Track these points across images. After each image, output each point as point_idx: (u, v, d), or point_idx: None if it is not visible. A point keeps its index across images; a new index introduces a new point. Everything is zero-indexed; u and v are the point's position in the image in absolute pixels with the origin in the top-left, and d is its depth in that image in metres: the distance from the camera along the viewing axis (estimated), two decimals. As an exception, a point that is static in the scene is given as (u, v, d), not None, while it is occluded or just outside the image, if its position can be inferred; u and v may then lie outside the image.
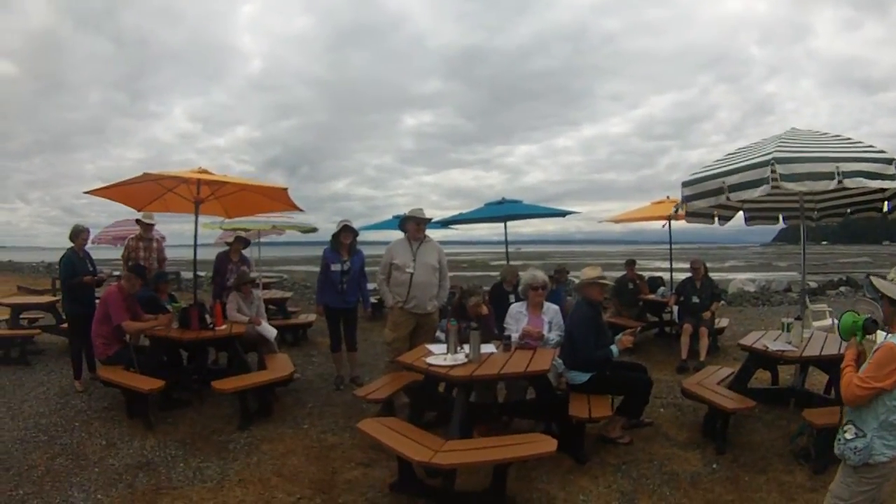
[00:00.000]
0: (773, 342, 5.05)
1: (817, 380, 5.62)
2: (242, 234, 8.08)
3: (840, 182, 3.72)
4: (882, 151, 3.87)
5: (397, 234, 5.96)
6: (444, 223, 9.96)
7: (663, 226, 9.29)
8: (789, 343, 4.96)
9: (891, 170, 3.73)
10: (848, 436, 2.52)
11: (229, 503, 3.68)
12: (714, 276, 8.75)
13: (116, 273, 8.68)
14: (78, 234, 6.14)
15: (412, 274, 5.49)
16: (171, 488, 3.84)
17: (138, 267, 6.12)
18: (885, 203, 4.95)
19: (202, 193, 5.94)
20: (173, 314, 5.86)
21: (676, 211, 5.63)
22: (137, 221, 7.30)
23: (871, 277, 2.66)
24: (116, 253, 9.95)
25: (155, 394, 4.94)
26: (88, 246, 6.41)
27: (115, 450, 4.42)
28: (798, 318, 5.12)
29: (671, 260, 9.88)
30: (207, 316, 5.76)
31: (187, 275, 14.60)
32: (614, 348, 4.67)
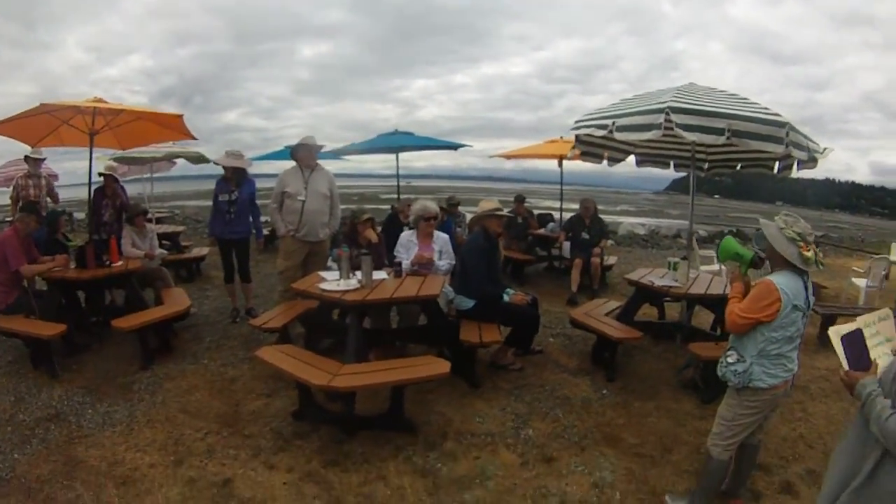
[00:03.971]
0: (659, 278, 5.21)
1: (703, 319, 5.84)
2: (120, 166, 7.59)
3: (728, 139, 3.82)
4: (777, 115, 3.93)
5: (288, 165, 5.81)
6: (337, 154, 9.82)
7: (559, 164, 9.38)
8: (675, 281, 5.09)
9: (782, 133, 3.81)
10: (730, 360, 2.77)
11: (140, 445, 3.61)
12: (605, 218, 9.06)
13: (9, 220, 7.97)
14: None
15: (304, 202, 5.43)
16: (83, 437, 3.71)
17: (31, 204, 5.62)
18: (776, 163, 5.08)
19: (97, 124, 5.52)
20: (70, 254, 5.50)
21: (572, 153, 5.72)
22: (25, 158, 7.00)
23: (761, 220, 2.80)
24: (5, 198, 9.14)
25: (57, 339, 4.71)
26: None
27: (24, 404, 4.19)
28: (684, 258, 5.27)
29: (562, 199, 10.07)
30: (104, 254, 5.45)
31: (79, 215, 13.72)
32: (506, 296, 4.79)
